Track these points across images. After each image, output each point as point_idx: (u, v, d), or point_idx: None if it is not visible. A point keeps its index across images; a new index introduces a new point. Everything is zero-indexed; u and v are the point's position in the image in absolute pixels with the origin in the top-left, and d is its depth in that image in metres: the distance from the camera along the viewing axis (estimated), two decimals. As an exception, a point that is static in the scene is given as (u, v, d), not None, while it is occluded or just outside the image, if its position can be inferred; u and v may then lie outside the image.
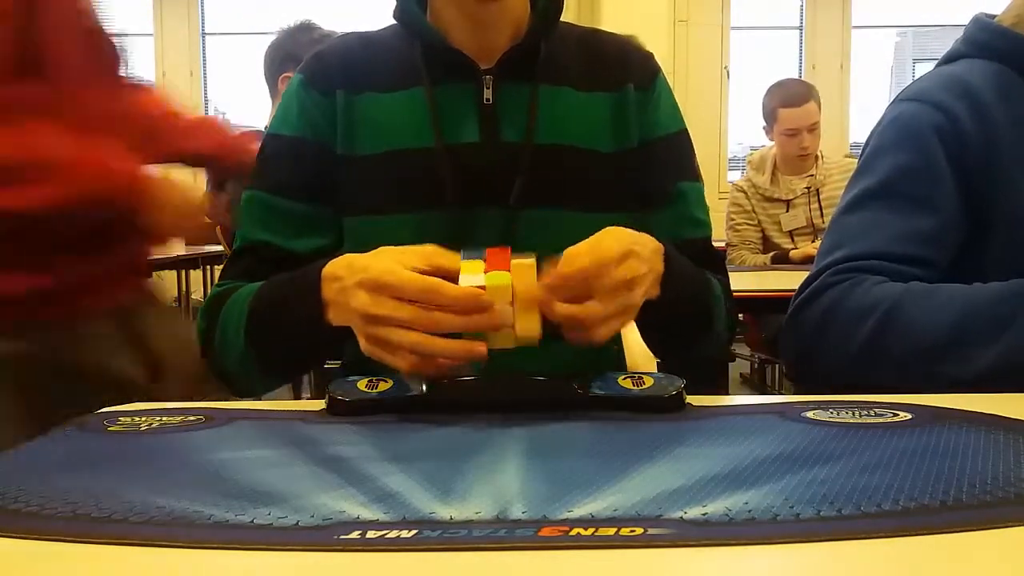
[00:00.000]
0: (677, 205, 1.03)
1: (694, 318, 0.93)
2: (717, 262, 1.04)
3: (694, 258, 0.98)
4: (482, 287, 0.72)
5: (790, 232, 2.97)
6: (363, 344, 0.77)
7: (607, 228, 0.80)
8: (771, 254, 2.94)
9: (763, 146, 3.13)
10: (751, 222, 3.01)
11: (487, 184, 0.94)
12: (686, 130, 1.06)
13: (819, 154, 2.97)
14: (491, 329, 0.72)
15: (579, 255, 0.75)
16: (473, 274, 0.73)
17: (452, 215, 0.94)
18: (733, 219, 3.05)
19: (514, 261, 0.74)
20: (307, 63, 1.01)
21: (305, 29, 2.19)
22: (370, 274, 0.75)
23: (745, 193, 3.02)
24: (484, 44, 0.97)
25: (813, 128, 2.88)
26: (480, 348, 0.72)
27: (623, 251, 0.77)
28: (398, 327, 0.73)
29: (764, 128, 3.01)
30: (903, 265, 0.96)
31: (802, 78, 5.91)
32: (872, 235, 0.99)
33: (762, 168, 3.02)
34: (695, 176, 1.06)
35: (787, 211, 2.96)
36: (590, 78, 1.00)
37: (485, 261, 0.75)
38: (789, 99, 2.89)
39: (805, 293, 0.99)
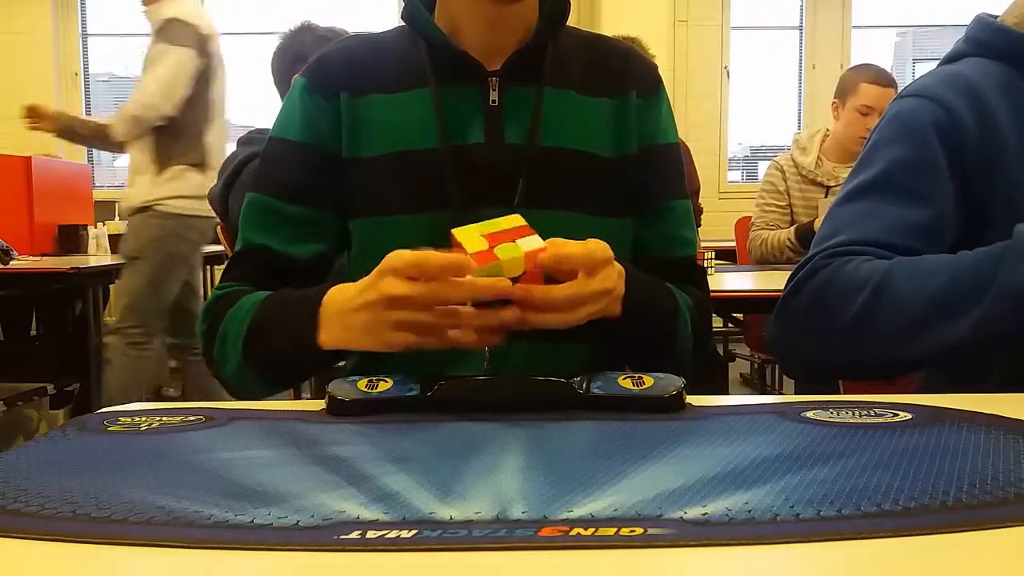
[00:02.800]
0: (667, 223, 1.04)
1: (653, 340, 0.94)
2: (699, 279, 1.06)
3: (678, 276, 1.00)
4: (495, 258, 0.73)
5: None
6: (394, 340, 0.77)
7: (594, 238, 0.81)
8: (795, 227, 2.81)
9: (790, 146, 3.02)
10: (780, 204, 2.89)
11: (491, 185, 0.95)
12: (679, 143, 1.08)
13: None
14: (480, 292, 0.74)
15: (570, 245, 0.78)
16: (477, 248, 0.74)
17: (457, 216, 0.94)
18: (763, 198, 2.94)
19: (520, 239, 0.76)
20: (310, 67, 1.01)
21: (307, 29, 2.23)
22: (383, 263, 0.76)
23: (783, 172, 2.90)
24: (494, 45, 0.97)
25: None
26: (511, 314, 0.74)
27: (606, 259, 0.80)
28: (420, 309, 0.75)
29: (834, 104, 2.88)
30: (895, 255, 0.97)
31: (802, 78, 5.93)
32: (866, 224, 1.00)
33: (809, 149, 2.90)
34: (685, 193, 1.07)
35: (825, 197, 2.83)
36: (594, 82, 1.00)
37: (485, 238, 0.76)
38: (876, 78, 2.80)
39: (797, 276, 1.00)
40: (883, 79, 2.80)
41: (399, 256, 0.75)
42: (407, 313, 0.75)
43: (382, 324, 0.77)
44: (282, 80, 2.25)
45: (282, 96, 2.28)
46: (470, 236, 0.76)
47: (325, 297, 0.84)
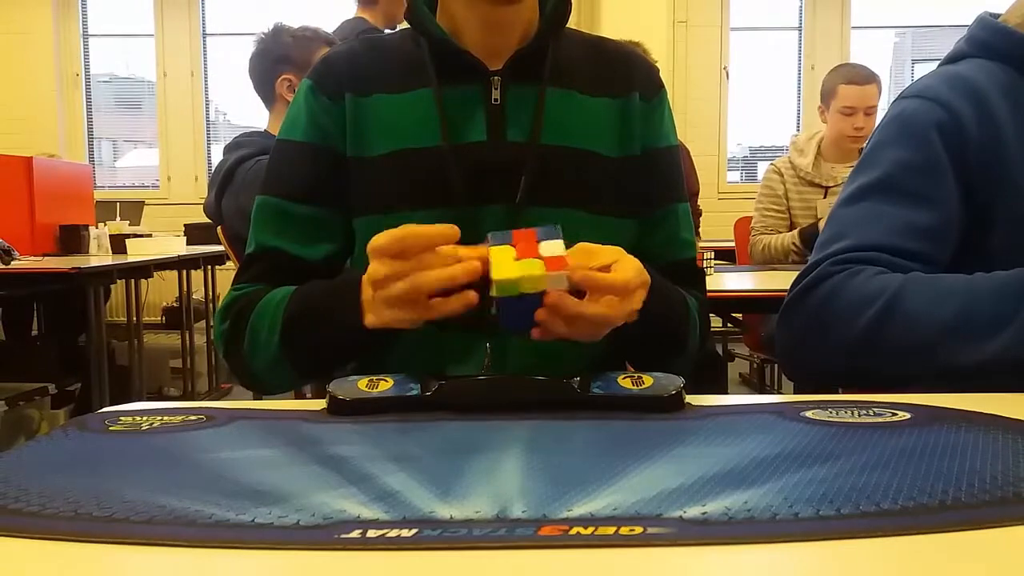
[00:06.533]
0: (668, 226, 1.05)
1: (665, 346, 0.95)
2: (699, 280, 1.07)
3: (680, 278, 1.01)
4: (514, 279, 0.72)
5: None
6: (398, 317, 0.77)
7: (630, 257, 0.81)
8: (798, 229, 2.82)
9: (789, 146, 3.02)
10: (779, 208, 2.91)
11: (493, 183, 0.95)
12: (679, 147, 1.08)
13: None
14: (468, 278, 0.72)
15: (611, 266, 0.77)
16: (505, 267, 0.72)
17: (459, 213, 0.94)
18: (761, 203, 2.96)
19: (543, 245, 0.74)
20: (315, 68, 1.02)
21: (281, 31, 2.22)
22: (368, 245, 0.76)
23: (781, 175, 2.93)
24: (494, 46, 0.97)
25: (870, 111, 2.79)
26: (471, 296, 0.73)
27: (637, 285, 0.80)
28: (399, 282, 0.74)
29: (820, 108, 2.92)
30: (901, 259, 0.96)
31: (801, 78, 5.93)
32: (871, 228, 0.99)
33: (806, 151, 2.93)
34: (685, 196, 1.08)
35: (824, 198, 2.86)
36: (596, 83, 1.01)
37: (514, 247, 0.74)
38: (852, 77, 2.82)
39: (803, 283, 0.99)
40: (859, 77, 2.84)
41: (380, 235, 0.75)
42: (391, 289, 0.75)
43: (380, 304, 0.78)
44: (264, 83, 2.22)
45: (264, 101, 2.26)
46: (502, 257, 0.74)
47: (364, 277, 0.83)
